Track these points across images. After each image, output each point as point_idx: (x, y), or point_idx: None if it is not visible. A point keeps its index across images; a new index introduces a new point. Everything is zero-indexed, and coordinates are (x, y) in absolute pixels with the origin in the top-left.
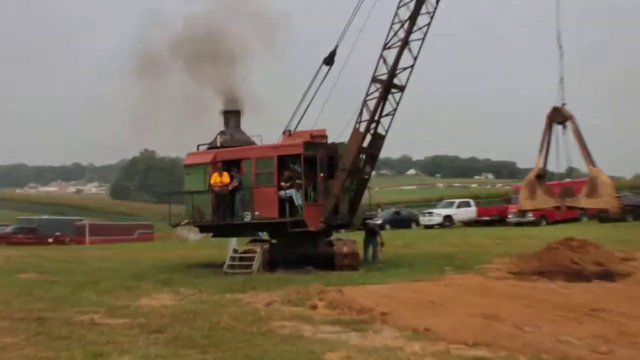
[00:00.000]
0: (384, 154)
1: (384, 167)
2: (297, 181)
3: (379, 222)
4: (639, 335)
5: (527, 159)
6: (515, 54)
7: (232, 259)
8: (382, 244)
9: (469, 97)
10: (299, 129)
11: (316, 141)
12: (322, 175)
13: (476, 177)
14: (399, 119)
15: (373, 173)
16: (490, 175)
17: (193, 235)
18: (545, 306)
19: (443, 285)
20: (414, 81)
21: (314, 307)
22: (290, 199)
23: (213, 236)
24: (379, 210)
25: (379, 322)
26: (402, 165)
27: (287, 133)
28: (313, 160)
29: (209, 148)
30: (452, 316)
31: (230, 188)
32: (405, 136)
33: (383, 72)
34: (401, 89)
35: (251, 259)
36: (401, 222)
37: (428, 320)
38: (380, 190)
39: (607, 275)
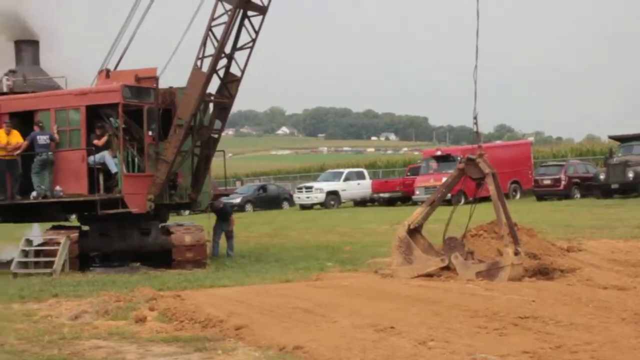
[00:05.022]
0: (244, 105)
1: (245, 123)
2: (115, 141)
3: (237, 200)
4: (579, 351)
5: (444, 113)
6: None
7: (25, 253)
8: (230, 230)
9: None
10: (123, 67)
11: (143, 85)
12: (151, 134)
13: (374, 138)
14: (261, 55)
15: (228, 132)
16: (392, 136)
17: None
18: (460, 313)
19: (323, 287)
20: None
21: (142, 320)
22: (104, 167)
23: None
24: (238, 184)
25: (233, 339)
26: (270, 121)
27: (105, 73)
28: (138, 113)
29: None
30: (334, 329)
31: (18, 153)
32: (275, 82)
33: None
34: (262, 10)
35: (52, 253)
36: (268, 201)
37: (300, 335)
38: (239, 157)
39: (543, 272)
